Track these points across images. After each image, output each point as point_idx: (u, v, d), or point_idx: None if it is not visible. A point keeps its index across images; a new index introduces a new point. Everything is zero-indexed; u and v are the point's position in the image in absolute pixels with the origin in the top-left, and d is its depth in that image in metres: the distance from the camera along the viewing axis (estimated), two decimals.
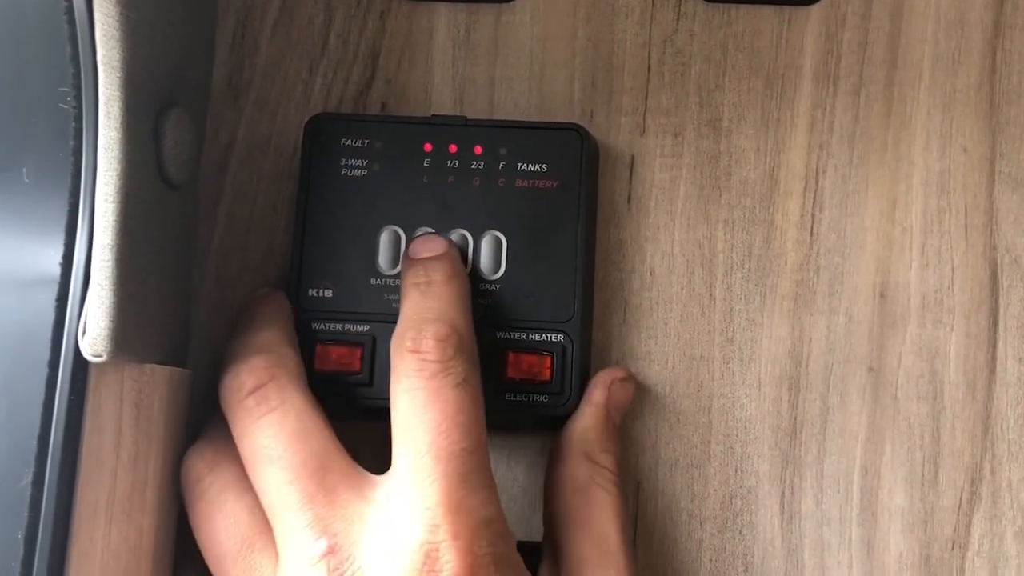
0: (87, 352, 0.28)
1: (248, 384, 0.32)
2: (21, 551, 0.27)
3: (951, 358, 0.38)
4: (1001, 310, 0.38)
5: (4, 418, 0.29)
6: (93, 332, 0.28)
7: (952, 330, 0.38)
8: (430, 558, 0.29)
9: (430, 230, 0.37)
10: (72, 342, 0.28)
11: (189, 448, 0.34)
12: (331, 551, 0.30)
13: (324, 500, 0.31)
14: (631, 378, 0.37)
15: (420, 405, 0.31)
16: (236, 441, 0.32)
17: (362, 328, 0.37)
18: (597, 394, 0.36)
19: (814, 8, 0.40)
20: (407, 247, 0.36)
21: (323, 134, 0.38)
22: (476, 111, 0.40)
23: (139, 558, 0.31)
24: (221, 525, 0.32)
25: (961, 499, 0.37)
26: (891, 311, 0.38)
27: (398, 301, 0.37)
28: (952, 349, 0.38)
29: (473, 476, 0.31)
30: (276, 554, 0.31)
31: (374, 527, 0.30)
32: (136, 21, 0.28)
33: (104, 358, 0.28)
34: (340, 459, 0.32)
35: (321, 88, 0.40)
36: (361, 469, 0.32)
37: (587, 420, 0.36)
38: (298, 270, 0.37)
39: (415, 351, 0.32)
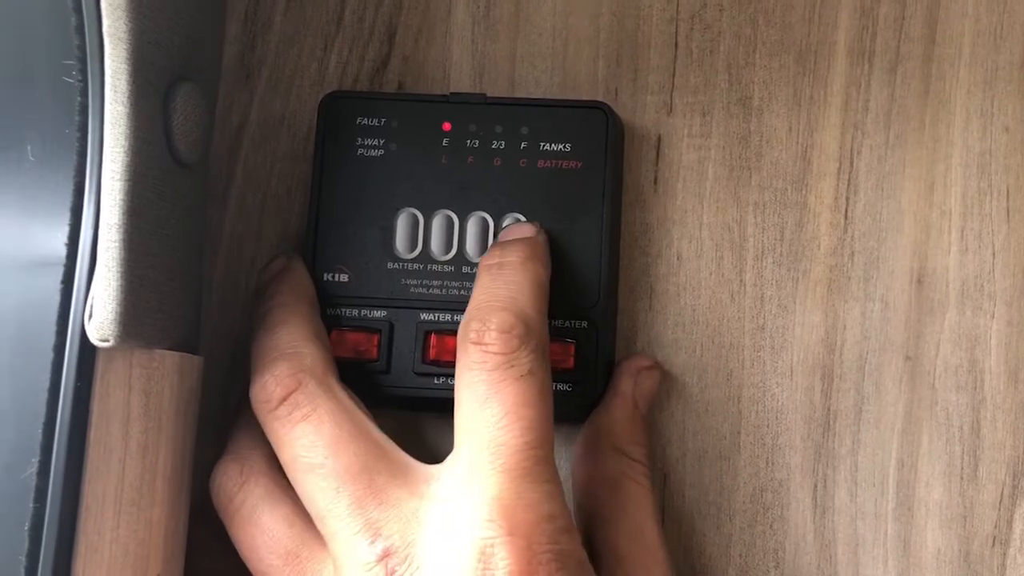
0: (94, 337, 0.27)
1: (277, 393, 0.31)
2: (27, 544, 0.26)
3: (992, 347, 0.37)
4: None
5: (8, 405, 0.28)
6: (100, 316, 0.27)
7: (993, 318, 0.37)
8: (485, 555, 0.28)
9: (450, 212, 0.36)
10: (78, 326, 0.27)
11: (215, 465, 0.33)
12: (387, 554, 0.29)
13: (374, 502, 0.29)
14: (657, 366, 0.36)
15: (481, 399, 0.30)
16: (275, 451, 0.31)
17: (379, 314, 0.36)
18: (624, 384, 0.35)
19: None
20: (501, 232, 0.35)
21: (338, 113, 0.37)
22: (496, 89, 0.38)
23: (149, 551, 0.30)
24: (260, 542, 0.31)
25: (1002, 493, 0.36)
26: (929, 297, 0.37)
27: (417, 286, 0.36)
28: (993, 337, 0.37)
29: (535, 471, 0.29)
30: (327, 558, 0.30)
31: (430, 524, 0.29)
32: None
33: (111, 343, 0.27)
34: (386, 456, 0.31)
35: (336, 66, 0.39)
36: (413, 461, 0.31)
37: (615, 412, 0.35)
38: (313, 254, 0.36)
39: (478, 343, 0.30)
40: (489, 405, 0.30)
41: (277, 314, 0.33)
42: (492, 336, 0.30)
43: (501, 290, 0.32)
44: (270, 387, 0.31)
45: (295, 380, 0.31)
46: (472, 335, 0.31)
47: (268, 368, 0.32)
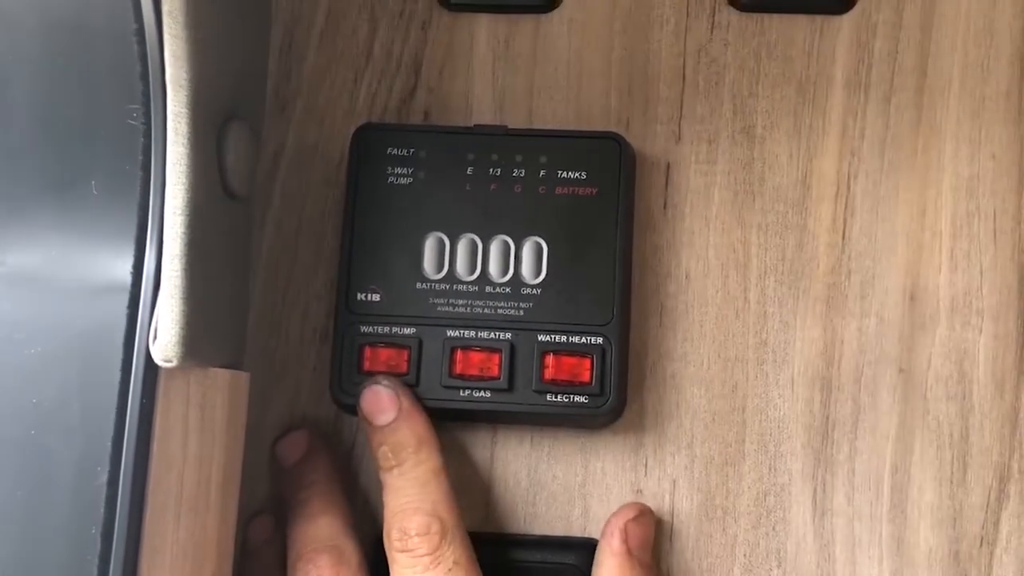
0: (158, 357, 0.30)
1: None
2: (98, 546, 0.29)
3: (980, 359, 0.39)
4: None
5: (79, 420, 0.30)
6: (164, 338, 0.30)
7: (981, 332, 0.39)
8: None
9: (474, 236, 0.39)
10: (143, 348, 0.30)
11: None
12: None
13: None
14: (646, 511, 0.38)
15: None
16: None
17: (409, 331, 0.38)
18: (615, 543, 0.37)
19: (846, 17, 0.41)
20: (360, 400, 0.37)
21: (370, 143, 0.39)
22: (516, 119, 0.41)
23: (204, 554, 0.32)
24: None
25: (989, 497, 0.38)
26: (921, 313, 0.39)
27: (443, 305, 0.38)
28: (981, 351, 0.39)
29: None
30: None
31: None
32: (202, 41, 0.30)
33: (174, 363, 0.30)
34: None
35: (366, 97, 0.41)
36: None
37: (613, 573, 0.36)
38: (347, 275, 0.38)
39: (404, 551, 0.34)
40: None
41: (317, 504, 0.36)
42: (415, 542, 0.34)
43: (409, 493, 0.35)
44: None
45: (334, 573, 0.34)
46: (397, 544, 0.34)
47: (311, 559, 0.35)
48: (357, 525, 0.37)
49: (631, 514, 0.37)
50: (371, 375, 0.38)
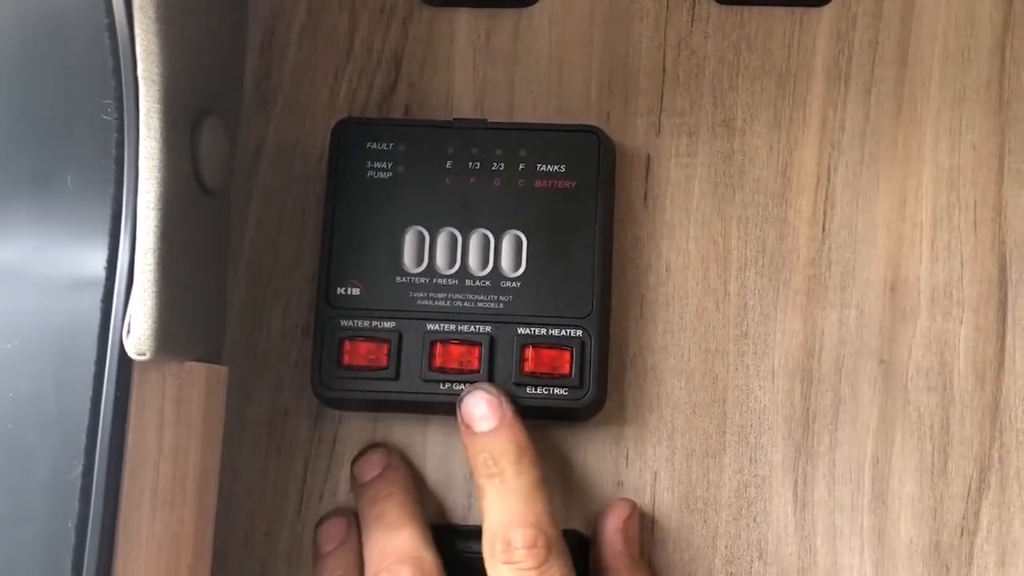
0: (131, 351, 0.30)
1: None
2: (73, 538, 0.29)
3: (960, 350, 0.39)
4: (1010, 303, 0.39)
5: (54, 413, 0.30)
6: (137, 332, 0.30)
7: (961, 323, 0.39)
8: None
9: (453, 230, 0.39)
10: (117, 341, 0.30)
11: None
12: None
13: None
14: (635, 507, 0.38)
15: None
16: None
17: (389, 324, 0.38)
18: (619, 546, 0.37)
19: (825, 9, 0.41)
20: (460, 404, 0.36)
21: (349, 138, 0.39)
22: (496, 114, 0.41)
23: (180, 546, 0.33)
24: None
25: (970, 487, 0.38)
26: (901, 305, 0.39)
27: (423, 298, 0.38)
28: (961, 342, 0.39)
29: None
30: None
31: None
32: (174, 36, 0.30)
33: (147, 356, 0.30)
34: None
35: (347, 93, 0.42)
36: None
37: (619, 567, 0.37)
38: (327, 269, 0.38)
39: (509, 562, 0.33)
40: None
41: (395, 515, 0.36)
42: (521, 555, 0.33)
43: (513, 504, 0.34)
44: None
45: None
46: (502, 556, 0.34)
47: (392, 570, 0.34)
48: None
49: (625, 513, 0.38)
50: (351, 369, 0.38)
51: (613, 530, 0.37)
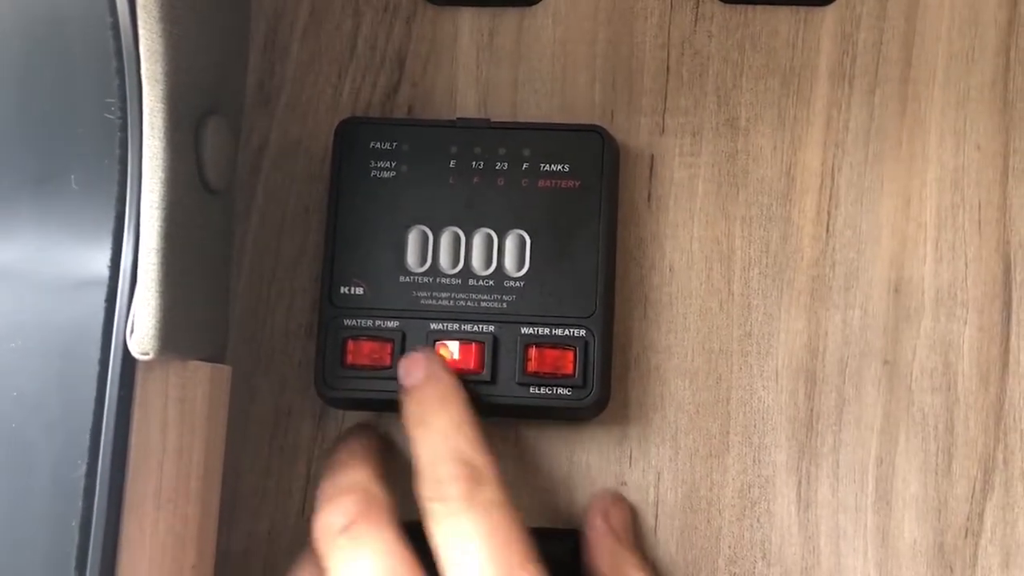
0: (135, 350, 0.30)
1: (338, 523, 0.33)
2: (77, 538, 0.29)
3: (964, 351, 0.39)
4: (1014, 304, 0.39)
5: (58, 413, 0.30)
6: (140, 331, 0.30)
7: (966, 324, 0.39)
8: None
9: (457, 229, 0.39)
10: (121, 341, 0.30)
11: None
12: None
13: None
14: (619, 496, 0.38)
15: (464, 540, 0.32)
16: None
17: (392, 324, 0.38)
18: (599, 524, 0.37)
19: (829, 8, 0.41)
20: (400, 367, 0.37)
21: (353, 137, 0.39)
22: (499, 113, 0.41)
23: (184, 545, 0.33)
24: None
25: (974, 488, 0.38)
26: (905, 305, 0.39)
27: (427, 298, 0.38)
28: (966, 342, 0.39)
29: None
30: None
31: None
32: (178, 36, 0.30)
33: (151, 356, 0.30)
34: None
35: (350, 92, 0.42)
36: None
37: (602, 548, 0.37)
38: (330, 269, 0.38)
39: (437, 499, 0.33)
40: (474, 542, 0.32)
41: (347, 460, 0.36)
42: (449, 490, 0.33)
43: (437, 443, 0.34)
44: (334, 516, 0.33)
45: (358, 512, 0.33)
46: (430, 495, 0.33)
47: (335, 500, 0.34)
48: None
49: (607, 498, 0.38)
50: (354, 369, 0.38)
51: (595, 512, 0.37)
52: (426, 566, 0.33)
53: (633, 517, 0.38)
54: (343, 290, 0.38)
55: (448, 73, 0.41)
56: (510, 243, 0.38)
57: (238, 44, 0.36)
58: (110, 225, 0.31)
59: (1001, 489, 0.38)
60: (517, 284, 0.38)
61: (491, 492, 0.33)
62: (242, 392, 0.39)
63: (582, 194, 0.39)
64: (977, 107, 0.40)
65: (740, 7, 0.41)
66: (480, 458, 0.34)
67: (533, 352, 0.38)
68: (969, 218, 0.40)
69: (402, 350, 0.38)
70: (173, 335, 0.30)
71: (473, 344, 0.38)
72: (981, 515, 0.38)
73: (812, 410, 0.39)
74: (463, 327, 0.38)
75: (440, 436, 0.34)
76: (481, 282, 0.38)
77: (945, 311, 0.39)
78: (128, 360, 0.30)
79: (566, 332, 0.38)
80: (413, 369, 0.36)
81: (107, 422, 0.30)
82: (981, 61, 0.40)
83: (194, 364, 0.33)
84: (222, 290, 0.36)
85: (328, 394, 0.38)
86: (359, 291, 0.39)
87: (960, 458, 0.39)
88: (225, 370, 0.35)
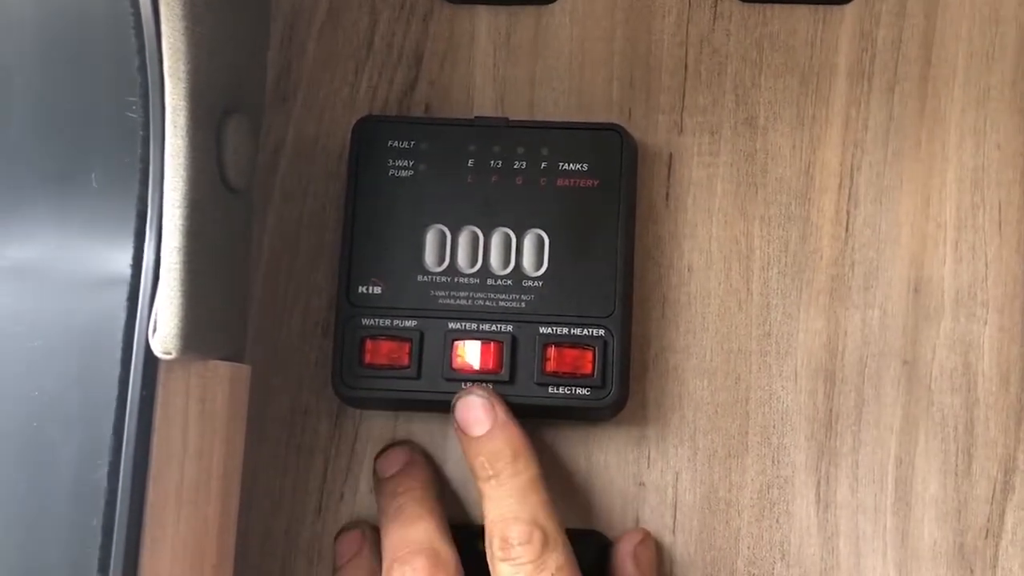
0: (157, 350, 0.30)
1: None
2: (99, 537, 0.29)
3: (985, 351, 0.39)
4: None
5: (79, 412, 0.30)
6: (163, 331, 0.30)
7: (986, 324, 0.39)
8: None
9: (475, 228, 0.38)
10: (143, 340, 0.30)
11: None
12: None
13: None
14: (648, 535, 0.38)
15: None
16: None
17: (410, 323, 0.38)
18: (629, 567, 0.37)
19: (848, 7, 0.41)
20: (453, 410, 0.36)
21: (370, 136, 0.39)
22: (517, 111, 0.41)
23: (205, 544, 0.33)
24: None
25: (995, 488, 0.38)
26: (925, 305, 0.39)
27: (445, 297, 0.38)
28: (986, 343, 0.39)
29: None
30: None
31: None
32: (200, 34, 0.30)
33: (173, 355, 0.30)
34: None
35: (367, 90, 0.41)
36: None
37: None
38: (348, 268, 0.38)
39: (506, 559, 0.34)
40: None
41: (413, 509, 0.36)
42: (518, 551, 0.34)
43: (509, 503, 0.35)
44: None
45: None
46: (499, 554, 0.34)
47: (406, 560, 0.34)
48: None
49: (637, 539, 0.38)
50: (372, 368, 0.38)
51: (624, 555, 0.38)
52: None
53: (658, 554, 0.38)
54: (361, 289, 0.38)
55: (465, 71, 0.41)
56: (528, 242, 0.38)
57: (258, 42, 0.36)
58: (131, 224, 0.30)
59: (1022, 490, 0.38)
60: (535, 284, 0.38)
61: (560, 557, 0.34)
62: (259, 391, 0.39)
63: (601, 193, 0.39)
64: (997, 106, 0.40)
65: (758, 5, 0.41)
66: (551, 523, 0.35)
67: (552, 352, 0.38)
68: (989, 218, 0.39)
69: (420, 350, 0.38)
70: (195, 334, 0.30)
71: (492, 344, 0.37)
72: (1002, 516, 0.38)
73: (831, 410, 0.39)
74: (481, 327, 0.38)
75: (513, 496, 0.35)
76: (499, 282, 0.38)
77: (965, 311, 0.39)
78: (150, 359, 0.30)
79: (585, 332, 0.38)
80: (478, 415, 0.36)
81: (129, 422, 0.29)
82: (1001, 60, 0.40)
83: (214, 363, 0.33)
84: (242, 289, 0.36)
85: (346, 393, 0.38)
86: (377, 290, 0.38)
87: (980, 459, 0.38)
88: (244, 369, 0.35)
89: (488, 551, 0.35)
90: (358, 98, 0.41)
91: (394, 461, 0.38)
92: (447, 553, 0.35)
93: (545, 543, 0.34)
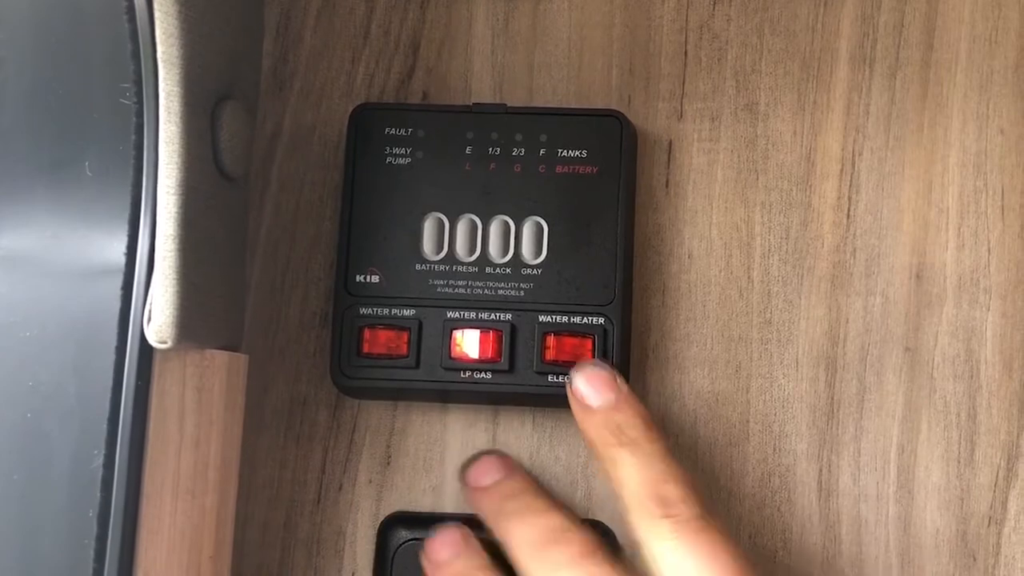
0: (152, 339, 0.29)
1: None
2: (95, 528, 0.29)
3: (987, 338, 0.39)
4: None
5: (75, 403, 0.30)
6: (158, 320, 0.29)
7: (988, 310, 0.39)
8: None
9: (473, 216, 0.38)
10: (138, 329, 0.30)
11: None
12: None
13: None
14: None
15: (696, 560, 0.32)
16: None
17: (408, 312, 0.38)
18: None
19: None
20: (572, 382, 0.36)
21: (368, 123, 0.39)
22: (515, 98, 0.41)
23: (202, 535, 0.32)
24: None
25: (997, 476, 0.38)
26: (927, 292, 0.39)
27: (443, 286, 0.38)
28: (988, 329, 0.39)
29: None
30: None
31: None
32: (194, 18, 0.29)
33: (169, 344, 0.29)
34: None
35: (364, 78, 0.41)
36: None
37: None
38: (345, 257, 0.38)
39: (668, 515, 0.33)
40: (705, 563, 0.32)
41: (540, 501, 0.35)
42: (680, 508, 0.33)
43: (657, 464, 0.34)
44: None
45: (590, 553, 0.33)
46: (658, 511, 0.33)
47: (557, 542, 0.33)
48: None
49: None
50: (371, 357, 0.37)
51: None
52: None
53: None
54: (359, 278, 0.38)
55: (463, 58, 0.41)
56: (527, 230, 0.38)
57: (253, 28, 0.36)
58: (126, 212, 0.30)
59: None
60: (534, 272, 0.38)
61: (720, 522, 0.33)
62: (257, 381, 0.39)
63: (600, 180, 0.38)
64: (1000, 91, 0.39)
65: None
66: (694, 489, 0.34)
67: (551, 340, 0.37)
68: (992, 203, 0.39)
69: (419, 339, 0.37)
70: (191, 323, 0.30)
71: (491, 332, 0.37)
72: (1004, 503, 0.38)
73: (833, 398, 0.39)
74: (480, 315, 0.37)
75: (658, 459, 0.34)
76: (498, 270, 0.38)
77: (968, 297, 0.39)
78: (145, 349, 0.30)
79: (584, 320, 0.38)
80: (607, 385, 0.35)
81: (124, 412, 0.29)
82: (1004, 44, 0.40)
83: (211, 353, 0.33)
84: (239, 278, 0.35)
85: (344, 383, 0.38)
86: (375, 279, 0.38)
87: (983, 446, 0.38)
88: (242, 359, 0.35)
89: (637, 515, 0.33)
90: (355, 86, 0.41)
91: (492, 469, 0.36)
92: (593, 533, 0.34)
93: (704, 505, 0.33)
